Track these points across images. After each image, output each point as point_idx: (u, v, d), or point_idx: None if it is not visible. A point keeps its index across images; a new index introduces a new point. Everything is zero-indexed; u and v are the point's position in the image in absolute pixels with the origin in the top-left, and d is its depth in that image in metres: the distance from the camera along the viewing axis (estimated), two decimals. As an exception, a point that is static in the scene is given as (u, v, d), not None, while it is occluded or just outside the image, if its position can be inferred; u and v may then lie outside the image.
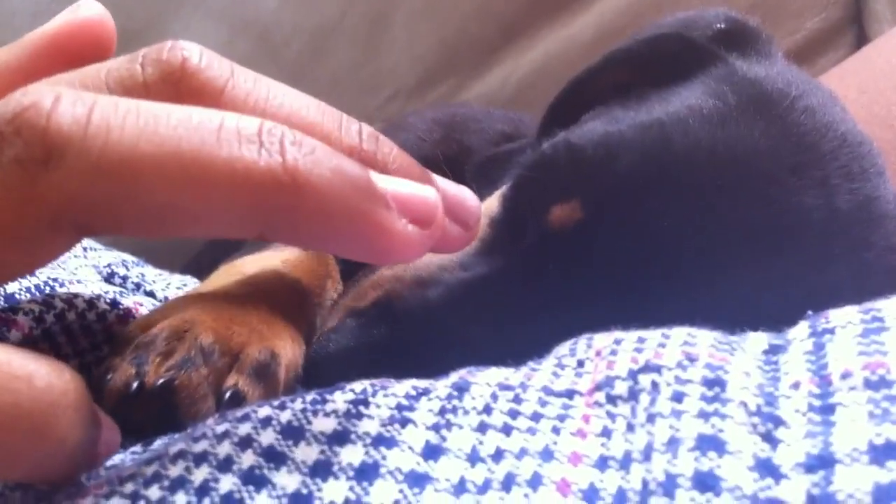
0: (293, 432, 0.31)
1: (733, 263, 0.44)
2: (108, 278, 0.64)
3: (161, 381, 0.41)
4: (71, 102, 0.28)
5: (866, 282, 0.45)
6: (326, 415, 0.32)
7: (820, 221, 0.45)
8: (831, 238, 0.45)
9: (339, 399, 0.33)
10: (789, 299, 0.43)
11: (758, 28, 0.59)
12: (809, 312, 0.36)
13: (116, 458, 0.37)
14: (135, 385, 0.41)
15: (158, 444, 0.38)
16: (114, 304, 0.50)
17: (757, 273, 0.44)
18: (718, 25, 0.58)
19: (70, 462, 0.29)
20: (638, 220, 0.45)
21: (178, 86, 0.32)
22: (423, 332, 0.47)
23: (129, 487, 0.30)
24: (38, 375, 0.28)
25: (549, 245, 0.47)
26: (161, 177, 0.28)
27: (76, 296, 0.48)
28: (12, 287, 0.49)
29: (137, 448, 0.38)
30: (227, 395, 0.43)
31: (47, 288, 0.51)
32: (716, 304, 0.43)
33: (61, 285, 0.51)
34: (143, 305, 0.52)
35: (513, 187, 0.53)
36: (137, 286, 0.64)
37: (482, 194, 0.60)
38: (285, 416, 0.32)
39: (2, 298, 0.47)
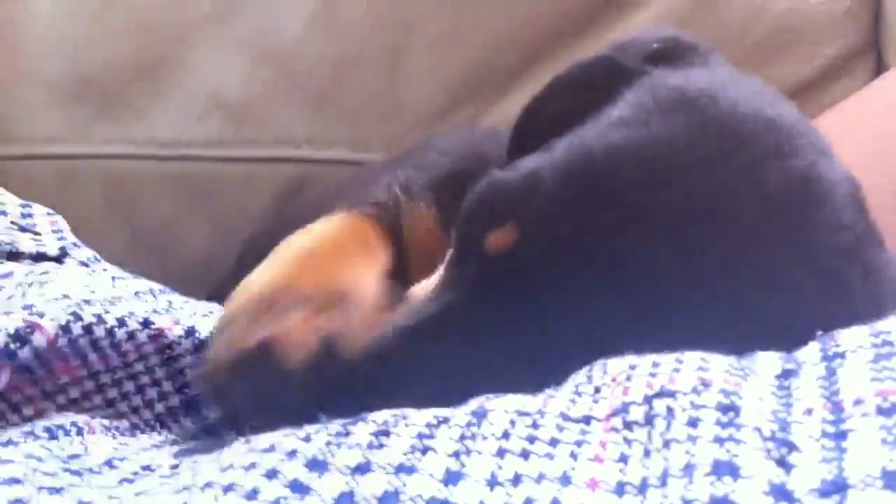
0: (318, 465, 0.32)
1: (667, 257, 0.43)
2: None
3: (260, 334, 0.43)
4: None
5: (816, 263, 0.43)
6: (350, 447, 0.33)
7: (751, 203, 0.43)
8: (767, 219, 0.43)
9: (362, 430, 0.34)
10: (732, 288, 0.42)
11: (693, 42, 0.58)
12: (819, 333, 0.36)
13: (144, 484, 0.38)
14: (233, 351, 0.43)
15: (185, 468, 0.38)
16: (146, 323, 0.51)
17: (694, 263, 0.43)
18: (654, 45, 0.58)
19: None
20: (569, 233, 0.45)
21: None
22: (371, 376, 0.47)
23: None
24: None
25: (490, 273, 0.47)
26: None
27: (107, 311, 0.49)
28: (45, 307, 0.50)
29: (165, 471, 0.39)
30: (321, 337, 0.44)
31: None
32: (658, 303, 0.42)
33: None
34: (178, 323, 0.53)
35: (456, 228, 0.53)
36: (165, 312, 0.65)
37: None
38: (310, 448, 0.33)
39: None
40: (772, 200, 0.43)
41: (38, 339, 0.44)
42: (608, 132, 0.47)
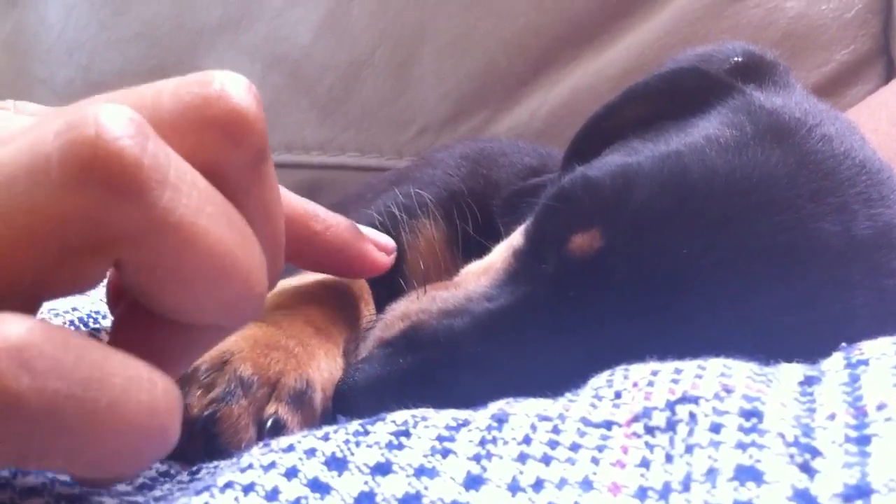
0: (337, 463, 0.32)
1: (752, 289, 0.44)
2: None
3: (204, 413, 0.43)
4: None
5: (888, 307, 0.45)
6: (369, 446, 0.33)
7: (839, 247, 0.45)
8: (850, 263, 0.45)
9: (381, 430, 0.34)
10: (809, 324, 0.44)
11: (774, 60, 0.59)
12: (844, 344, 0.36)
13: (164, 489, 0.38)
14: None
15: (204, 472, 0.39)
16: None
17: (775, 298, 0.44)
18: (735, 58, 0.59)
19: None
20: (657, 248, 0.45)
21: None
22: (449, 360, 0.48)
23: None
24: (161, 378, 0.29)
25: (570, 273, 0.48)
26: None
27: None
28: (58, 322, 0.50)
29: (184, 477, 0.39)
30: (269, 423, 0.44)
31: (90, 320, 0.52)
32: (735, 330, 0.43)
33: (104, 317, 0.53)
34: None
35: (535, 219, 0.54)
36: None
37: (509, 227, 0.61)
38: (329, 447, 0.33)
39: None
40: (857, 246, 0.45)
41: None
42: (705, 151, 0.48)
